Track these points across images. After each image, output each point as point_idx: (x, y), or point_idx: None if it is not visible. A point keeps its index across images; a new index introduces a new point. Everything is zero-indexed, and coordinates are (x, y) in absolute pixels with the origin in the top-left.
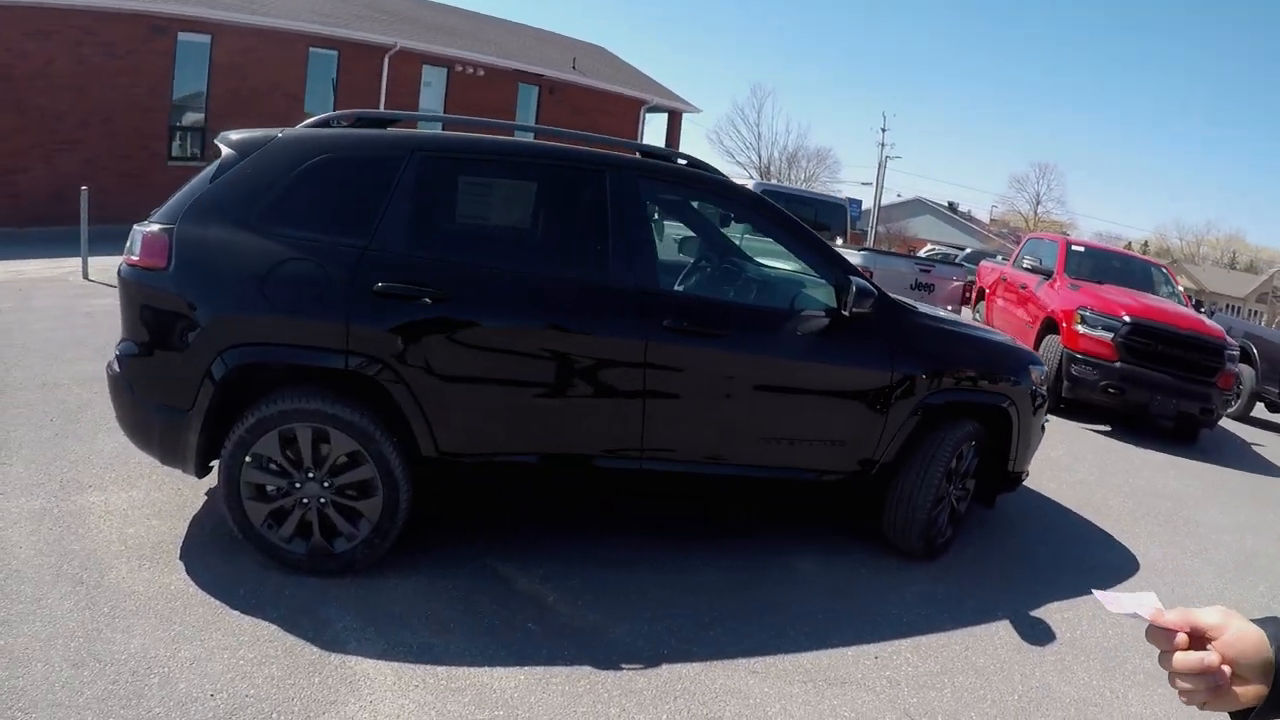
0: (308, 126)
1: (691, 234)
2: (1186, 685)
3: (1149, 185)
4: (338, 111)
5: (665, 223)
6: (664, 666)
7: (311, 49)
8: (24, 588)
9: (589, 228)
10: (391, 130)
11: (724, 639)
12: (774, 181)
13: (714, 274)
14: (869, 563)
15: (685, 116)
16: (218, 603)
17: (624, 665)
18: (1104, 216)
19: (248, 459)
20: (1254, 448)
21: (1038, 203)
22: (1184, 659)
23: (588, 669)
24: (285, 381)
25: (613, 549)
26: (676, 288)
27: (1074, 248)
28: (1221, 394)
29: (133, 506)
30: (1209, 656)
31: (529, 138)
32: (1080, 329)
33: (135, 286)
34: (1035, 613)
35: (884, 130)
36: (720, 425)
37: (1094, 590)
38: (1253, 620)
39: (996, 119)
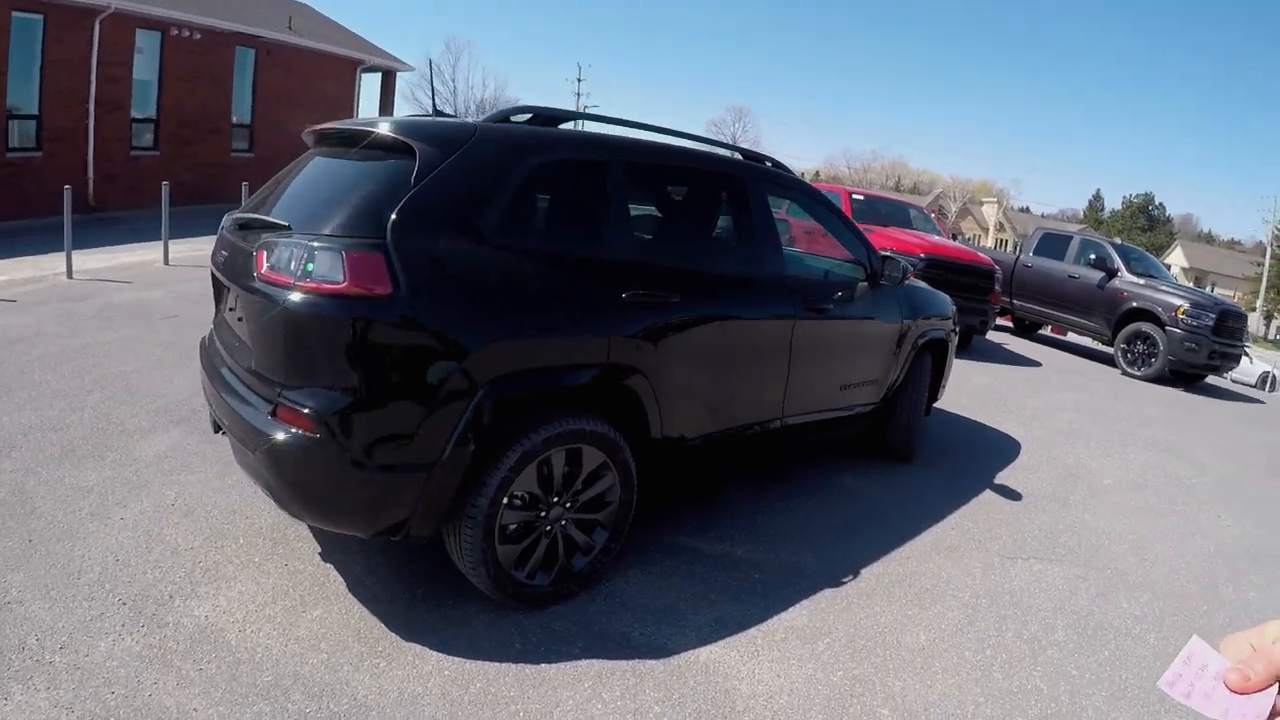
0: (493, 122)
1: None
2: None
3: (823, 121)
4: (514, 106)
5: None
6: (863, 572)
7: (15, 13)
8: None
9: (742, 227)
10: (592, 133)
11: (861, 546)
12: None
13: (802, 258)
14: (880, 470)
15: (399, 75)
16: (515, 665)
17: (844, 580)
18: (785, 152)
19: (505, 501)
20: (1005, 346)
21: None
22: None
23: (828, 591)
24: (527, 407)
25: (725, 506)
26: (792, 273)
27: (855, 196)
28: (992, 309)
29: (261, 605)
30: None
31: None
32: None
33: (340, 321)
34: (997, 480)
35: (579, 80)
36: (821, 380)
37: (1160, 684)
38: None
39: (690, 67)
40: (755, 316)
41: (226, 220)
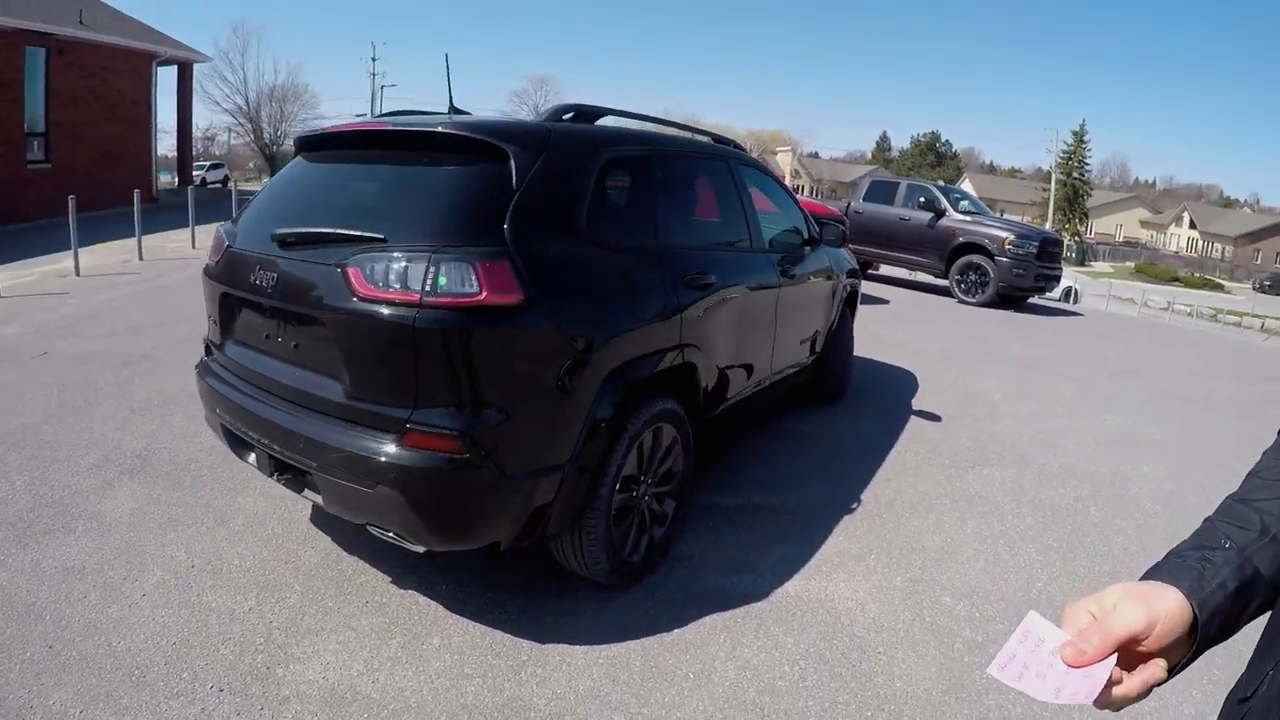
0: (551, 120)
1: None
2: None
3: (618, 84)
4: (561, 105)
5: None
6: (863, 498)
7: None
8: None
9: (735, 207)
10: (630, 130)
11: (847, 478)
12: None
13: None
14: (820, 412)
15: (195, 67)
16: (653, 638)
17: (853, 508)
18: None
19: (617, 486)
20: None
21: (537, 113)
22: (1132, 690)
23: (847, 518)
24: (633, 394)
25: (717, 464)
26: (768, 243)
27: None
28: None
29: (373, 648)
30: (1155, 675)
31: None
32: None
33: (479, 334)
34: (915, 407)
35: (374, 60)
36: (793, 336)
37: (989, 670)
38: (1157, 575)
39: (485, 39)
40: (756, 285)
41: (237, 234)
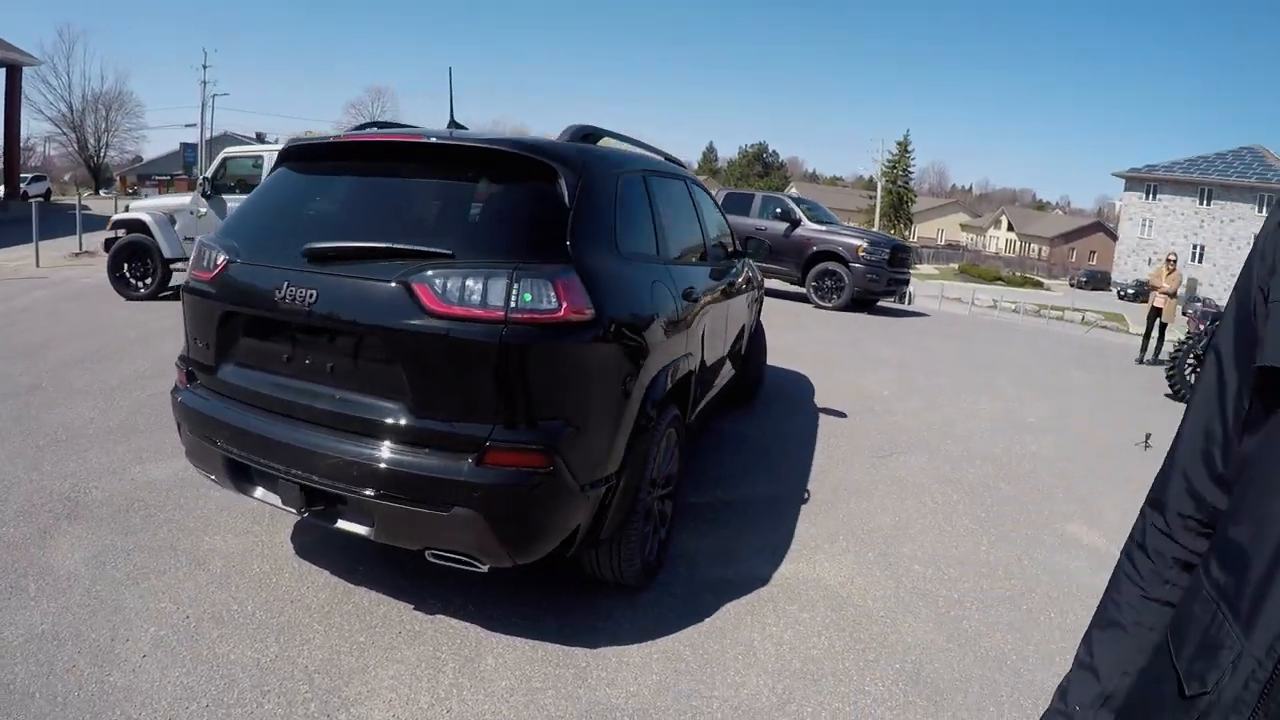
0: (573, 140)
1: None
2: None
3: (470, 98)
4: (574, 126)
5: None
6: (810, 489)
7: None
8: None
9: (696, 222)
10: (629, 151)
11: (792, 472)
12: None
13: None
14: (742, 412)
15: (26, 71)
16: (692, 629)
17: (806, 497)
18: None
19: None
20: None
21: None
22: None
23: (805, 507)
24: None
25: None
26: (715, 256)
27: None
28: None
29: (429, 677)
30: None
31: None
32: None
33: (560, 349)
34: (821, 405)
35: (205, 67)
36: (735, 341)
37: None
38: None
39: (327, 55)
40: (718, 296)
41: (238, 249)
